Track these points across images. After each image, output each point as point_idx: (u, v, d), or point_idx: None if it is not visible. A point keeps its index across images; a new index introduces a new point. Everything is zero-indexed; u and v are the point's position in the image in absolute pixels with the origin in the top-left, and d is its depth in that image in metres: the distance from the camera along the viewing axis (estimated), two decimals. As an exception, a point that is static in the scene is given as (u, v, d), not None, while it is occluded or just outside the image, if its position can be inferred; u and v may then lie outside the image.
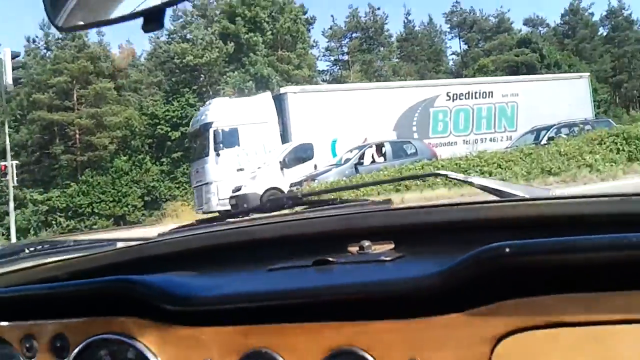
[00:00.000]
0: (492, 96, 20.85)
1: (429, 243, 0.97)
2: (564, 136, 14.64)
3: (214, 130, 17.34)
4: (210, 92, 33.64)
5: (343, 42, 45.77)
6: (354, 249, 1.00)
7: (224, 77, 35.13)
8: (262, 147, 17.32)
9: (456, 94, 20.59)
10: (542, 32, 47.18)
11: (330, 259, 0.95)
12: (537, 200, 1.03)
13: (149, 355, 0.92)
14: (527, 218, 0.92)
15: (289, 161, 15.96)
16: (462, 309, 0.72)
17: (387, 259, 0.91)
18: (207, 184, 17.55)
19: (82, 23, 0.88)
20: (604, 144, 12.18)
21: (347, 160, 15.06)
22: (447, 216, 1.01)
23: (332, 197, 1.64)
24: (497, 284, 0.70)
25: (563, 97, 20.43)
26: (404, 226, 1.04)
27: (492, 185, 1.24)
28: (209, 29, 36.54)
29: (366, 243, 0.98)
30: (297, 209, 1.51)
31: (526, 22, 47.52)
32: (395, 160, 14.68)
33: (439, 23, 49.39)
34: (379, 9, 45.12)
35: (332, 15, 60.33)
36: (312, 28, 42.53)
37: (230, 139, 17.44)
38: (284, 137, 17.86)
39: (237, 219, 1.53)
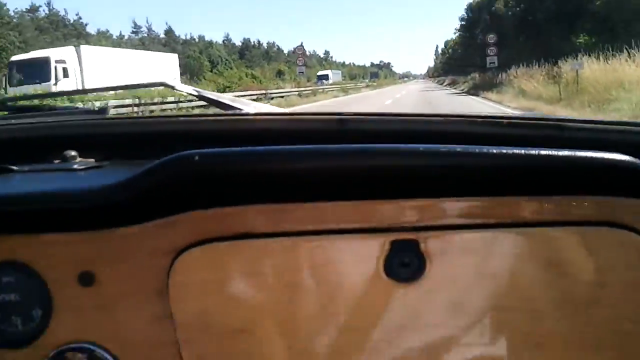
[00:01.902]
0: None
1: (139, 155, 0.89)
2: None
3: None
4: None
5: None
6: (55, 159, 0.90)
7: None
8: None
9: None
10: None
11: (14, 167, 0.86)
12: (258, 115, 0.99)
13: None
14: (242, 131, 0.90)
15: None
16: (142, 221, 0.67)
17: (80, 168, 0.85)
18: None
19: None
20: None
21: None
22: (163, 127, 0.98)
23: (45, 104, 1.53)
24: (182, 194, 0.66)
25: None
26: (115, 136, 0.97)
27: (217, 98, 1.18)
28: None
29: (71, 153, 0.89)
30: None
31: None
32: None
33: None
34: None
35: None
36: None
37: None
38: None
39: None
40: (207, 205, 0.66)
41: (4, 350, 0.72)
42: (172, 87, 1.33)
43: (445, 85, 59.24)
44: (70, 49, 26.80)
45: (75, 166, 0.85)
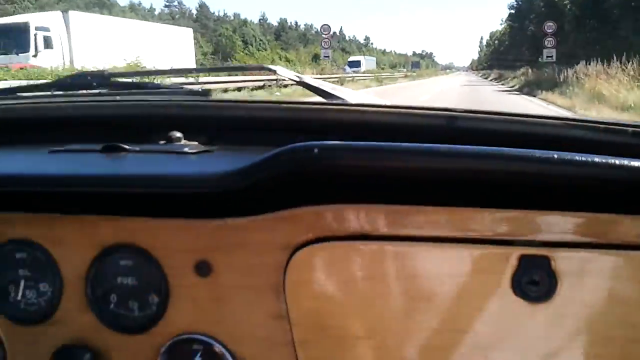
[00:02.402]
0: None
1: (245, 141, 0.87)
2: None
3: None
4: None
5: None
6: (160, 139, 0.88)
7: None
8: None
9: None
10: None
11: (124, 145, 0.81)
12: (364, 106, 0.92)
13: None
14: (350, 123, 0.85)
15: None
16: (259, 212, 0.66)
17: (191, 151, 0.81)
18: None
19: None
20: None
21: None
22: (269, 114, 0.93)
23: (146, 81, 1.39)
24: (300, 187, 0.65)
25: None
26: (220, 120, 0.94)
27: (322, 87, 1.12)
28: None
29: (176, 134, 0.87)
30: (103, 90, 1.26)
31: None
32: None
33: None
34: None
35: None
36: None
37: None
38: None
39: (33, 94, 1.29)
40: (326, 201, 0.64)
41: (120, 335, 0.72)
42: (274, 72, 1.30)
43: (491, 80, 54.28)
44: (57, 14, 22.52)
45: (186, 149, 0.81)
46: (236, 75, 17.66)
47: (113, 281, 0.71)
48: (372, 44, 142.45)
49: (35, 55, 19.61)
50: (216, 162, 0.79)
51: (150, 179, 0.68)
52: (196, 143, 0.86)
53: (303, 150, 0.61)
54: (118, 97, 1.12)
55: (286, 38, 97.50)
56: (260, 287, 0.66)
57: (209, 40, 74.52)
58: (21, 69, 14.80)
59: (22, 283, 0.75)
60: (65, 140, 0.89)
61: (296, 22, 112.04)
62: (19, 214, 0.75)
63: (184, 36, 31.35)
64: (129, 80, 1.37)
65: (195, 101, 1.05)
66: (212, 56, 69.09)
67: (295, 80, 1.20)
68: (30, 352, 0.76)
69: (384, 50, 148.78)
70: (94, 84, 1.24)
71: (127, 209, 0.70)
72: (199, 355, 0.69)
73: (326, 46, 29.72)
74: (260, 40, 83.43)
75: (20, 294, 0.75)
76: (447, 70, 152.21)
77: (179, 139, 0.87)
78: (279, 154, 0.62)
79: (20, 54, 19.22)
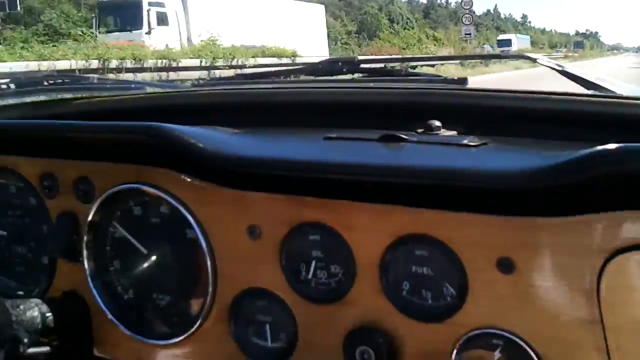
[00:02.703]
0: None
1: (510, 133, 0.85)
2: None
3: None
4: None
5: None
6: (418, 128, 0.89)
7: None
8: None
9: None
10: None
11: (402, 135, 0.82)
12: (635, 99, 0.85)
13: (185, 212, 0.87)
14: (635, 118, 0.79)
15: None
16: (569, 213, 0.64)
17: (472, 144, 0.79)
18: None
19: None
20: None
21: None
22: (536, 105, 0.88)
23: (398, 68, 1.40)
24: (615, 190, 0.63)
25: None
26: (482, 110, 0.92)
27: (589, 78, 1.08)
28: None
29: (436, 123, 0.87)
30: (355, 76, 1.32)
31: None
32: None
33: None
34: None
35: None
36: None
37: None
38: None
39: (287, 79, 1.39)
40: None
41: (414, 322, 0.74)
42: (533, 60, 1.28)
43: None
44: None
45: (465, 141, 0.80)
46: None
47: (407, 269, 0.74)
48: (529, 22, 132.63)
49: (148, 33, 19.03)
50: (506, 156, 0.77)
51: (451, 172, 0.68)
52: (455, 132, 0.86)
53: (618, 152, 0.58)
54: (372, 84, 1.13)
55: (435, 16, 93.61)
56: (571, 290, 0.65)
57: (354, 19, 73.18)
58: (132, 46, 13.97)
59: (313, 263, 0.80)
60: (327, 125, 0.91)
61: (446, 0, 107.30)
62: (313, 198, 0.78)
63: (316, 13, 29.02)
64: (379, 66, 1.41)
65: (454, 89, 1.02)
66: (357, 35, 67.85)
67: (557, 70, 1.16)
68: (323, 330, 0.80)
69: (543, 29, 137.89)
70: (344, 69, 1.28)
71: (422, 200, 0.71)
72: (498, 350, 0.69)
73: (467, 22, 26.57)
74: (408, 18, 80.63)
75: (311, 273, 0.80)
76: (615, 51, 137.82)
77: (438, 128, 0.86)
78: (607, 153, 0.58)
79: (133, 31, 18.79)
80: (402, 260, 0.74)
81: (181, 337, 0.90)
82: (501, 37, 60.85)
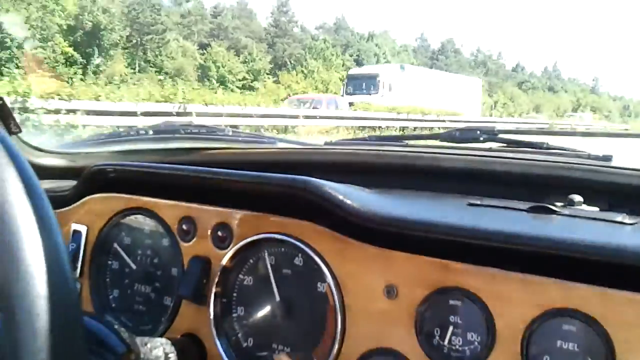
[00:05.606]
0: None
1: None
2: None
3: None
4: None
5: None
6: (559, 202, 0.90)
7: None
8: None
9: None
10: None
11: (553, 207, 0.84)
12: None
13: (322, 264, 0.88)
14: None
15: None
16: None
17: (627, 222, 0.80)
18: None
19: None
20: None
21: None
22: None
23: (536, 140, 1.32)
24: None
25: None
26: (630, 188, 0.93)
27: None
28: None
29: (578, 198, 0.88)
30: (492, 145, 1.29)
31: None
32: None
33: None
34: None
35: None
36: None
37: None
38: None
39: (419, 142, 1.43)
40: None
41: None
42: None
43: None
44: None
45: (619, 218, 0.81)
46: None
47: (552, 344, 0.71)
48: (600, 86, 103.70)
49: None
50: None
51: (614, 249, 0.67)
52: (597, 209, 0.88)
53: None
54: (510, 154, 1.12)
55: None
56: None
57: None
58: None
59: (450, 329, 0.78)
60: (466, 192, 0.96)
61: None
62: (457, 263, 0.77)
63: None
64: (519, 138, 1.35)
65: (598, 166, 1.03)
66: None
67: None
68: None
69: (615, 96, 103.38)
70: (482, 138, 1.27)
71: (576, 275, 0.70)
72: None
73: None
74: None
75: (447, 339, 0.78)
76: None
77: (579, 203, 0.88)
78: None
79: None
80: (547, 333, 0.72)
81: None
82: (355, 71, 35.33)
